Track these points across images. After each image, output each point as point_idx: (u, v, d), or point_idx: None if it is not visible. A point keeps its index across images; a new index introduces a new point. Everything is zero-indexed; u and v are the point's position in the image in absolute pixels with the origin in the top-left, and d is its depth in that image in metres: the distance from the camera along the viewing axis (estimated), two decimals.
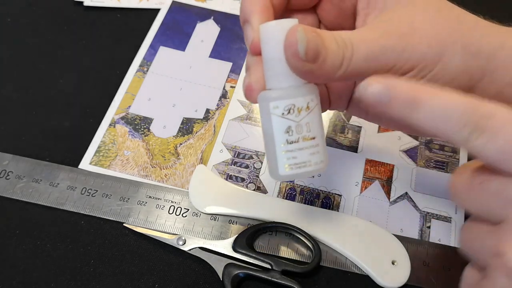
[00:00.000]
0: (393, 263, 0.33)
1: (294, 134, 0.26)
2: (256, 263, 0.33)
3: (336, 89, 0.33)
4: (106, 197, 0.36)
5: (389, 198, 0.37)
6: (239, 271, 0.33)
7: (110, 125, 0.40)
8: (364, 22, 0.29)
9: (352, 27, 0.30)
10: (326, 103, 0.33)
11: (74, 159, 0.38)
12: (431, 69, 0.27)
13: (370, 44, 0.26)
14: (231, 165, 0.38)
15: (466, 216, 0.36)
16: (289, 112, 0.26)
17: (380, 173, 0.38)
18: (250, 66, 0.28)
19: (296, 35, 0.24)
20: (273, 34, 0.26)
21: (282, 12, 0.30)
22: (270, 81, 0.27)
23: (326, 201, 0.37)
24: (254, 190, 0.37)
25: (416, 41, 0.26)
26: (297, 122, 0.26)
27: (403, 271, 0.33)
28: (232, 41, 0.45)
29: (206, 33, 0.46)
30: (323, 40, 0.25)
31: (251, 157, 0.39)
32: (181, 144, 0.39)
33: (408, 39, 0.26)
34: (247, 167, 0.38)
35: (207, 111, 0.41)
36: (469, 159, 0.39)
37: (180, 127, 0.40)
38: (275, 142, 0.27)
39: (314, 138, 0.27)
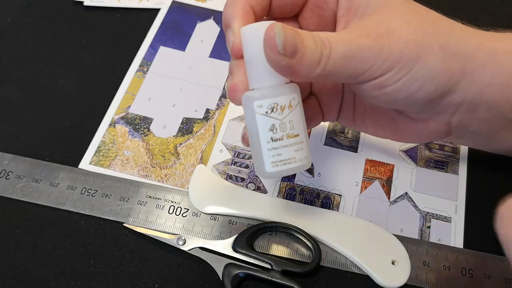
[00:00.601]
0: (393, 263, 0.33)
1: (278, 132, 0.27)
2: (256, 263, 0.33)
3: (327, 101, 0.34)
4: (106, 197, 0.36)
5: (389, 198, 0.37)
6: (239, 271, 0.33)
7: (110, 125, 0.40)
8: (345, 28, 0.30)
9: None
10: (319, 116, 0.34)
11: (74, 159, 0.38)
12: (410, 69, 0.27)
13: (347, 43, 0.26)
14: (231, 165, 0.38)
15: (466, 216, 0.36)
16: (272, 111, 0.27)
17: (380, 173, 0.38)
18: (232, 69, 0.29)
19: (274, 29, 0.25)
20: (254, 35, 0.26)
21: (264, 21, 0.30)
22: (253, 81, 0.27)
23: (326, 201, 0.37)
24: (254, 190, 0.37)
25: (393, 41, 0.27)
26: (281, 120, 0.27)
27: (403, 271, 0.33)
28: None
29: (206, 33, 0.46)
30: (302, 37, 0.26)
31: (251, 157, 0.39)
32: (181, 144, 0.39)
33: (385, 40, 0.27)
34: (247, 167, 0.38)
35: (207, 111, 0.41)
36: (469, 159, 0.39)
37: (180, 127, 0.40)
38: (260, 140, 0.28)
39: (297, 135, 0.28)
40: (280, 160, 0.28)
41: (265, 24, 0.26)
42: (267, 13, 0.30)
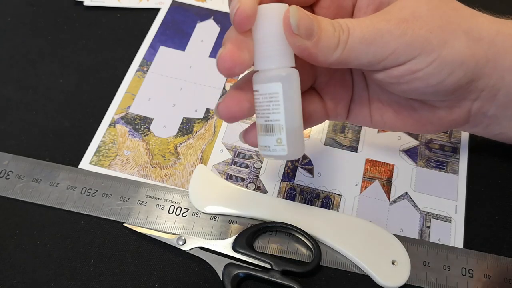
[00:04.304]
0: (393, 263, 0.33)
1: None
2: (256, 263, 0.33)
3: (332, 96, 0.33)
4: (106, 197, 0.36)
5: (389, 198, 0.37)
6: (239, 271, 0.33)
7: (110, 125, 0.40)
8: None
9: None
10: (322, 114, 0.33)
11: (74, 159, 0.38)
12: (439, 53, 0.27)
13: (366, 27, 0.27)
14: (231, 165, 0.38)
15: (466, 216, 0.36)
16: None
17: (380, 173, 0.38)
18: (230, 38, 0.27)
19: (289, 10, 0.25)
20: (271, 15, 0.26)
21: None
22: (264, 61, 0.27)
23: (326, 201, 0.37)
24: (254, 190, 0.37)
25: (418, 27, 0.27)
26: None
27: (403, 271, 0.33)
28: None
29: (206, 33, 0.46)
30: (319, 22, 0.26)
31: (251, 157, 0.39)
32: (181, 144, 0.39)
33: (409, 24, 0.27)
34: (247, 167, 0.38)
35: (207, 111, 0.41)
36: (469, 159, 0.39)
37: (180, 127, 0.40)
38: (301, 118, 0.28)
39: None
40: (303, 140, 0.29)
41: (284, 6, 0.26)
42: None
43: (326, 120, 0.35)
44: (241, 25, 0.26)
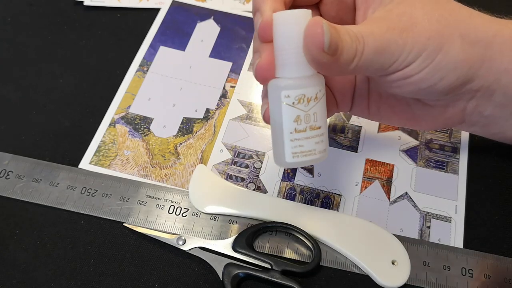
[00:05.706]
0: (393, 263, 0.33)
1: (302, 123, 0.27)
2: (256, 263, 0.33)
3: (340, 89, 0.33)
4: (106, 196, 0.36)
5: (389, 198, 0.37)
6: (239, 271, 0.33)
7: (110, 125, 0.40)
8: (364, 16, 0.30)
9: (352, 21, 0.31)
10: (333, 106, 0.34)
11: (74, 159, 0.38)
12: (433, 58, 0.27)
13: (377, 38, 0.27)
14: (231, 165, 0.38)
15: (467, 216, 0.36)
16: (299, 102, 0.27)
17: (380, 173, 0.38)
18: (259, 48, 0.28)
19: (322, 27, 0.24)
20: (288, 24, 0.26)
21: (289, 8, 0.30)
22: (281, 69, 0.27)
23: (326, 201, 0.37)
24: (254, 190, 0.37)
25: (417, 34, 0.27)
26: (306, 112, 0.27)
27: (403, 271, 0.33)
28: (232, 41, 0.45)
29: (206, 33, 0.46)
30: (339, 34, 0.25)
31: (251, 157, 0.39)
32: (181, 144, 0.39)
33: (409, 33, 0.27)
34: (247, 166, 0.38)
35: (207, 111, 0.41)
36: (469, 159, 0.39)
37: (180, 127, 0.40)
38: (284, 130, 0.27)
39: (320, 127, 0.28)
40: (301, 151, 0.28)
41: (299, 14, 0.26)
42: (293, 1, 0.30)
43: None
44: (265, 36, 0.27)
